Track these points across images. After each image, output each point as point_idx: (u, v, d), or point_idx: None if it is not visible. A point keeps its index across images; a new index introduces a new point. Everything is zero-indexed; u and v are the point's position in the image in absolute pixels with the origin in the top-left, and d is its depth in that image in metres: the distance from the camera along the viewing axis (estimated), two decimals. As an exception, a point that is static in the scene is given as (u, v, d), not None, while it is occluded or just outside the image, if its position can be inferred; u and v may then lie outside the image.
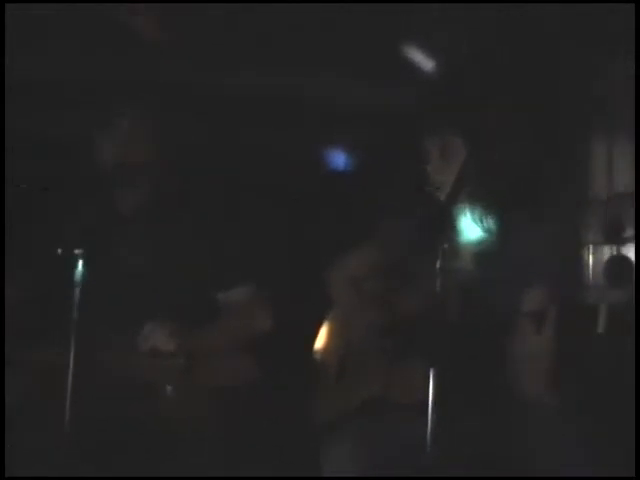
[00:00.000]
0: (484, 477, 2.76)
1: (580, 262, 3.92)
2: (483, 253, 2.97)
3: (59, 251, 2.70)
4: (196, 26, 3.87)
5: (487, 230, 2.96)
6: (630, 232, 4.11)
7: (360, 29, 3.86)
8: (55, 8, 3.70)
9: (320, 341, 3.22)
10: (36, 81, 3.85)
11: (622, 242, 4.11)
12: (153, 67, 3.85)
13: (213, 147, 3.97)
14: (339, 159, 4.23)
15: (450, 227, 2.89)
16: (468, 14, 3.75)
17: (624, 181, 4.18)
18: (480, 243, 2.99)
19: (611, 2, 3.64)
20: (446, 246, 2.62)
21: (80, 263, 2.66)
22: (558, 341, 2.67)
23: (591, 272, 4.05)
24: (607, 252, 4.16)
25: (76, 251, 2.67)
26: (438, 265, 2.61)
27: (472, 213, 2.96)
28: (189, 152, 3.37)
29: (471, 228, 2.97)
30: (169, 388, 2.95)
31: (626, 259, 4.06)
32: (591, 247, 4.13)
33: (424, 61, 3.97)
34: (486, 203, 2.99)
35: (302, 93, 4.10)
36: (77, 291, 2.67)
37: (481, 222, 2.96)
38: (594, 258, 4.11)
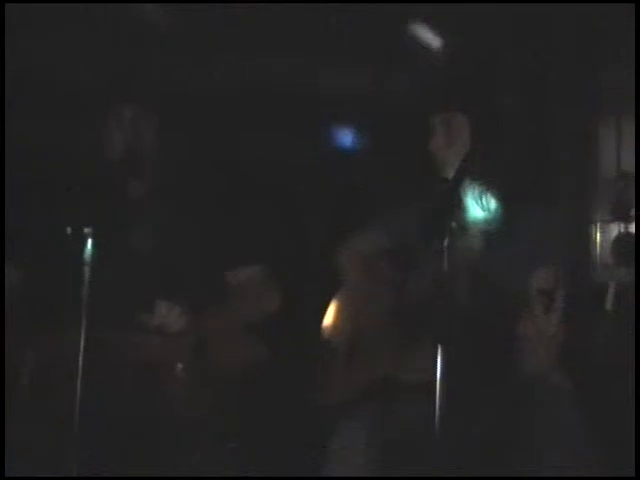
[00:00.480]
0: (483, 477, 2.78)
1: (588, 240, 3.92)
2: (490, 232, 2.97)
3: (69, 230, 2.71)
4: (200, 17, 3.88)
5: (493, 209, 2.96)
6: (639, 210, 4.10)
7: (361, 10, 3.86)
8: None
9: (329, 322, 3.22)
10: (45, 69, 3.86)
11: (630, 220, 4.10)
12: (159, 56, 3.86)
13: (220, 131, 3.98)
14: (349, 139, 4.22)
15: (457, 206, 2.89)
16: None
17: (631, 160, 4.17)
18: (487, 222, 2.99)
19: (611, 2, 3.64)
20: (454, 224, 2.62)
21: (89, 242, 2.67)
22: (567, 320, 2.67)
23: (599, 250, 4.05)
24: (615, 230, 4.16)
25: (85, 230, 2.68)
26: (445, 244, 2.61)
27: (479, 192, 2.96)
28: (196, 137, 3.38)
29: (478, 207, 2.97)
30: (179, 367, 2.96)
31: (634, 237, 4.05)
32: (599, 225, 4.12)
33: (428, 39, 3.97)
34: (493, 182, 2.99)
35: (306, 76, 4.11)
36: (86, 270, 2.68)
37: (487, 201, 2.97)
38: (602, 236, 4.11)
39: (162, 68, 3.55)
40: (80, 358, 2.67)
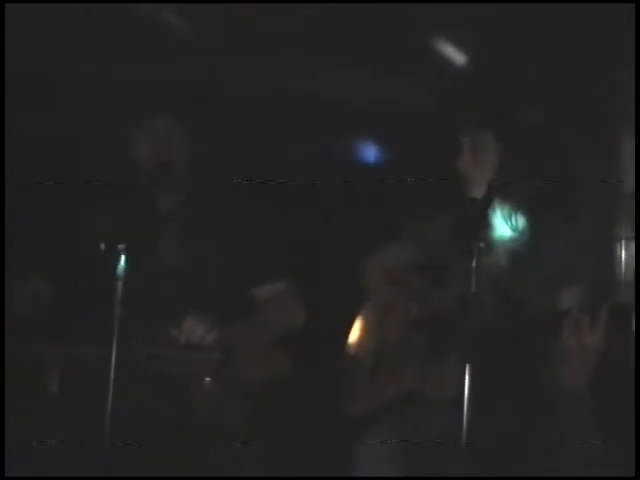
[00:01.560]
0: (483, 477, 2.79)
1: (613, 258, 3.92)
2: (517, 251, 2.99)
3: (102, 246, 2.74)
4: (227, 27, 3.90)
5: (521, 228, 2.98)
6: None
7: (386, 22, 3.87)
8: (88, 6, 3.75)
9: (354, 336, 3.24)
10: (76, 81, 3.90)
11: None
12: (190, 67, 3.89)
13: (244, 146, 4.01)
14: (373, 155, 4.24)
15: (485, 225, 2.91)
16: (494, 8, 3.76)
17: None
18: (514, 241, 3.01)
19: (611, 2, 3.64)
20: (482, 245, 2.65)
21: (122, 258, 2.71)
22: (604, 339, 2.70)
23: (623, 268, 4.05)
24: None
25: (119, 246, 2.72)
26: (474, 264, 2.63)
27: (508, 212, 2.98)
28: (222, 152, 3.41)
29: (505, 226, 2.99)
30: (206, 381, 2.99)
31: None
32: (623, 242, 4.12)
33: (456, 56, 3.98)
34: (521, 201, 3.02)
35: (335, 90, 4.12)
36: (119, 285, 2.72)
37: (517, 220, 2.99)
38: (626, 253, 4.10)
39: (194, 80, 3.59)
40: (111, 372, 2.70)
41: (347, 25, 3.88)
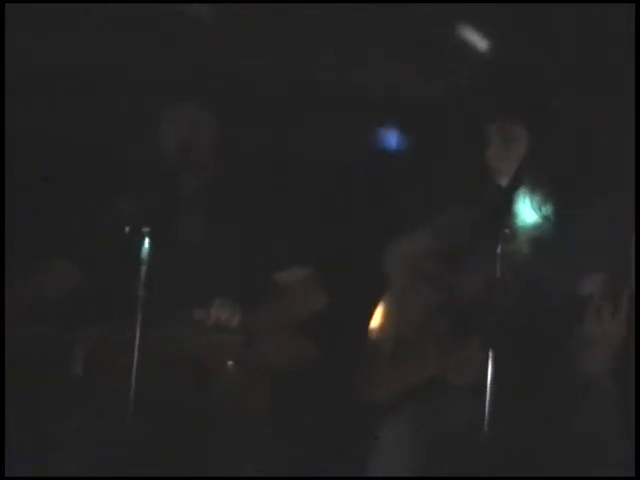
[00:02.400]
0: (484, 477, 2.80)
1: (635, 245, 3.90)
2: (543, 238, 2.99)
3: (127, 229, 2.76)
4: (255, 12, 3.90)
5: (546, 215, 2.98)
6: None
7: (414, 12, 3.86)
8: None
9: (376, 321, 3.25)
10: (100, 66, 3.92)
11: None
12: (214, 53, 3.90)
13: (269, 130, 4.02)
14: (398, 141, 4.24)
15: (511, 212, 2.91)
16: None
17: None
18: (540, 228, 3.01)
19: (611, 2, 3.62)
20: (507, 231, 2.65)
21: (147, 241, 2.73)
22: (626, 326, 2.70)
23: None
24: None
25: (143, 229, 2.74)
26: (499, 250, 2.63)
27: (532, 199, 2.98)
28: (247, 136, 3.42)
29: (531, 213, 2.98)
30: (230, 364, 3.01)
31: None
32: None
33: (483, 45, 3.96)
34: (546, 189, 3.01)
35: (360, 76, 4.12)
36: (144, 269, 2.73)
37: (541, 208, 2.98)
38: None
39: (219, 65, 3.60)
40: (135, 354, 2.72)
41: (372, 16, 3.88)
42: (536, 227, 2.98)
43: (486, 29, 3.96)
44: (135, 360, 2.72)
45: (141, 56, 3.89)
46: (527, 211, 2.99)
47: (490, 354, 2.66)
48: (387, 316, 3.24)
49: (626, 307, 2.71)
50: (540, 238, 2.97)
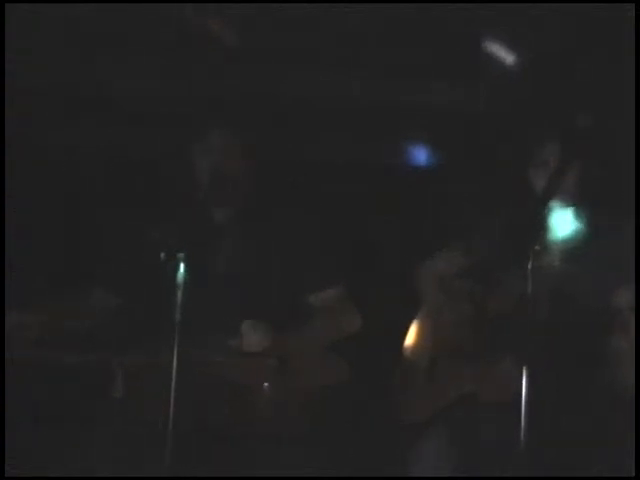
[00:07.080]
0: (484, 477, 2.78)
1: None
2: (574, 253, 3.00)
3: (162, 256, 2.80)
4: (280, 35, 3.94)
5: (578, 230, 2.99)
6: None
7: (444, 26, 3.86)
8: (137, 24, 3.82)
9: (410, 340, 3.26)
10: (133, 98, 3.97)
11: None
12: (244, 81, 3.94)
13: (299, 153, 4.05)
14: (428, 159, 4.24)
15: (541, 228, 2.92)
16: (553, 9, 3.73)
17: None
18: (571, 243, 3.02)
19: (611, 2, 3.61)
20: (538, 248, 2.66)
21: (182, 266, 2.77)
22: None
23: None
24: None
25: (178, 255, 2.78)
26: (530, 266, 2.64)
27: (563, 215, 2.99)
28: (278, 160, 3.46)
29: (562, 229, 3.00)
30: (265, 386, 3.03)
31: None
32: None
33: (519, 62, 3.95)
34: (577, 205, 3.03)
35: (394, 96, 4.13)
36: (179, 294, 2.77)
37: (571, 224, 3.00)
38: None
39: (246, 93, 3.64)
40: (172, 378, 2.75)
41: (405, 27, 3.87)
42: (568, 242, 2.99)
43: (517, 43, 3.94)
44: (172, 384, 2.74)
45: (176, 86, 3.94)
46: (558, 227, 3.01)
47: (524, 369, 2.66)
48: (421, 334, 3.26)
49: None
50: (572, 253, 2.98)
